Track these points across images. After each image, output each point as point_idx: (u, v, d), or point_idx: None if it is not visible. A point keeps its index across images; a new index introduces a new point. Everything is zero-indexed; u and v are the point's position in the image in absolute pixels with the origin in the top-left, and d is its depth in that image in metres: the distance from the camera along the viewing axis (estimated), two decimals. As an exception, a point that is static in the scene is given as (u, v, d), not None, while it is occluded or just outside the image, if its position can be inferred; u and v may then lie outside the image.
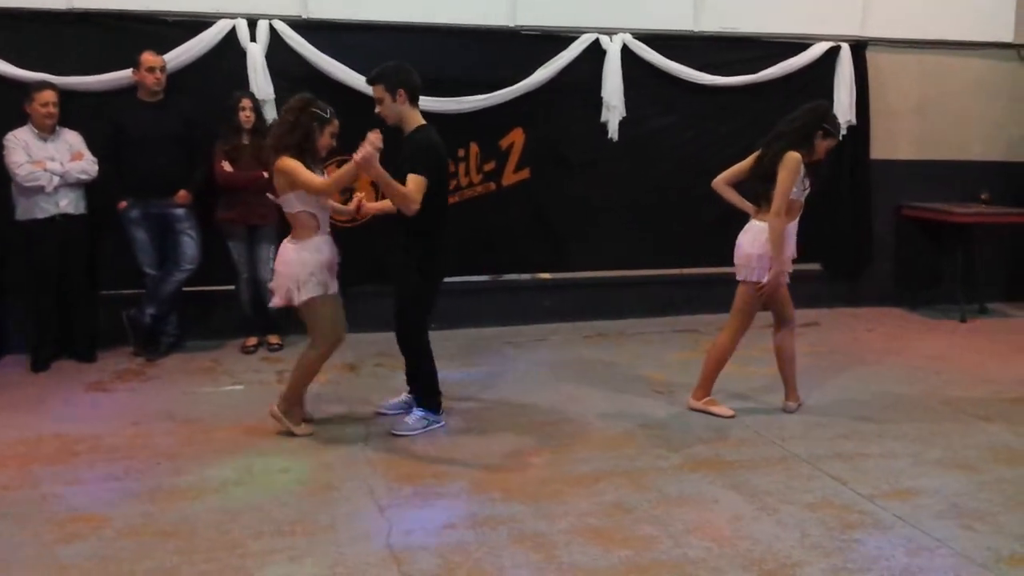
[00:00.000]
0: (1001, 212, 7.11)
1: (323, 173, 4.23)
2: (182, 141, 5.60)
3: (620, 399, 4.96)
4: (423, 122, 4.25)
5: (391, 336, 4.45)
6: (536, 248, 6.65)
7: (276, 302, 4.16)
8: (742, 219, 4.60)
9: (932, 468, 4.01)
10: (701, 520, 3.47)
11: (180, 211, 5.63)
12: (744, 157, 4.60)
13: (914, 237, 7.39)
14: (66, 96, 5.41)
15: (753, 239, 4.46)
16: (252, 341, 5.89)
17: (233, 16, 5.80)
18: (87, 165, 5.41)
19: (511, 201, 6.47)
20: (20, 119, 5.31)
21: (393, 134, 4.21)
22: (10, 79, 5.47)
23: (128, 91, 5.60)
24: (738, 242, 4.55)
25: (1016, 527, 3.42)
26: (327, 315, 4.18)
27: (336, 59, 5.90)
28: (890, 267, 7.42)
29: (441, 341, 4.55)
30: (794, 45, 6.82)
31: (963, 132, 7.39)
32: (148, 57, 5.46)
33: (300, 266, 4.07)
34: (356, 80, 5.65)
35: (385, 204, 4.38)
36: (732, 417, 4.62)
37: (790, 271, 4.53)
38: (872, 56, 6.99)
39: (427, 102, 5.10)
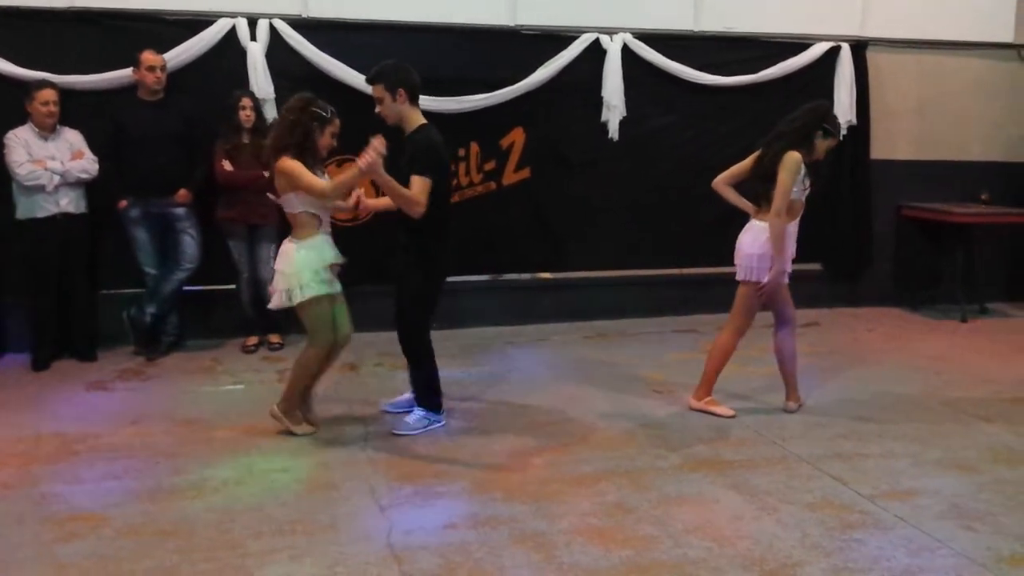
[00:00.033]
0: (1001, 212, 7.12)
1: (323, 172, 4.23)
2: (182, 140, 5.60)
3: (620, 399, 4.96)
4: (424, 121, 4.23)
5: (392, 336, 4.45)
6: (536, 248, 6.65)
7: (276, 302, 4.15)
8: (742, 219, 4.60)
9: (932, 468, 4.01)
10: (701, 520, 3.47)
11: (180, 210, 5.63)
12: (744, 157, 4.60)
13: (914, 237, 7.39)
14: (66, 95, 5.41)
15: (753, 239, 4.46)
16: (253, 340, 5.90)
17: (233, 15, 5.80)
18: (87, 164, 5.41)
19: (511, 201, 6.47)
20: (21, 118, 5.30)
21: (394, 133, 4.21)
22: (10, 78, 5.47)
23: (128, 90, 5.60)
24: (738, 242, 4.55)
25: (1016, 527, 3.42)
26: (324, 315, 4.17)
27: (336, 58, 5.90)
28: (890, 267, 7.42)
29: (442, 341, 4.55)
30: (794, 45, 6.82)
31: (963, 132, 7.40)
32: (148, 56, 5.46)
33: (301, 265, 4.06)
34: (356, 79, 5.65)
35: (384, 201, 4.36)
36: (732, 417, 4.62)
37: (789, 271, 4.53)
38: (872, 56, 6.99)
39: (427, 101, 5.10)
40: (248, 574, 3.05)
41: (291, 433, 4.30)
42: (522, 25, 6.35)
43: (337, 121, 4.16)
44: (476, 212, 6.30)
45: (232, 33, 5.78)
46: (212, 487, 3.73)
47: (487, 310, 6.60)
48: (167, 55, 5.59)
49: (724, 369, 4.70)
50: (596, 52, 6.42)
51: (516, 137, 6.42)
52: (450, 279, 4.52)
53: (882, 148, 7.17)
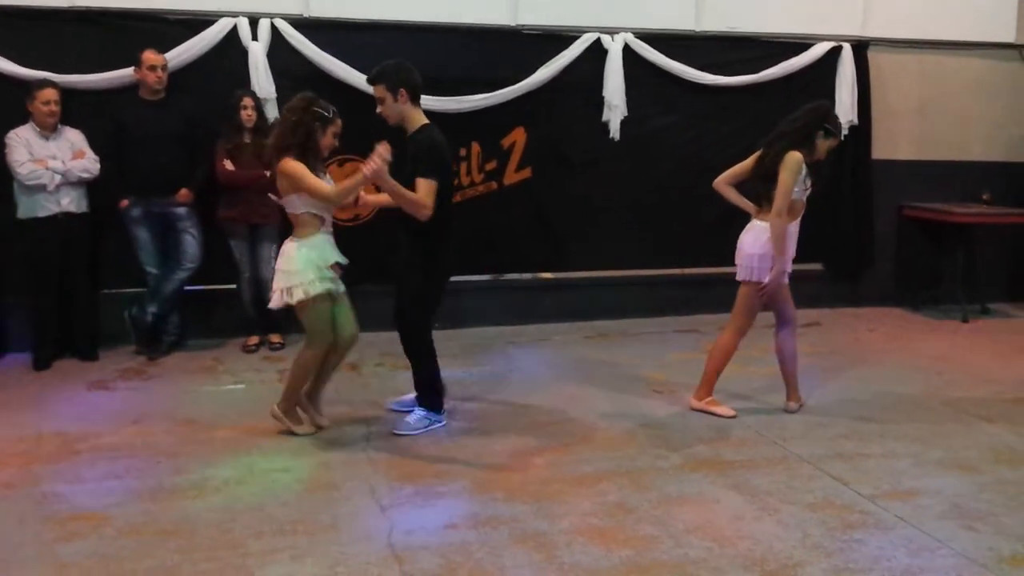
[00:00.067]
0: (1002, 212, 7.11)
1: (325, 173, 4.22)
2: (184, 140, 5.60)
3: (621, 399, 4.96)
4: (426, 121, 4.22)
5: (392, 336, 4.45)
6: (537, 248, 6.64)
7: (276, 301, 4.14)
8: (743, 219, 4.60)
9: (933, 468, 4.01)
10: (702, 520, 3.47)
11: (182, 210, 5.63)
12: (745, 157, 4.60)
13: (915, 237, 7.39)
14: (68, 94, 5.41)
15: (755, 239, 4.46)
16: (254, 340, 5.90)
17: (235, 15, 5.80)
18: (89, 163, 5.41)
19: (512, 200, 6.46)
20: (22, 117, 5.31)
21: (397, 134, 4.21)
22: (12, 77, 5.47)
23: (130, 89, 5.60)
24: (740, 242, 4.55)
25: (1017, 528, 3.42)
26: (323, 316, 4.15)
27: (338, 58, 5.90)
28: (891, 267, 7.42)
29: (443, 341, 4.55)
30: (795, 45, 6.81)
31: (964, 132, 7.39)
32: (149, 55, 5.46)
33: (302, 264, 4.05)
34: (357, 79, 5.64)
35: (384, 197, 4.32)
36: (733, 417, 4.62)
37: (789, 270, 4.52)
38: (873, 56, 6.99)
39: (428, 101, 5.10)
40: (249, 574, 3.05)
41: (292, 433, 4.30)
42: (523, 25, 6.35)
43: (339, 121, 4.16)
44: (477, 212, 6.30)
45: (233, 32, 5.78)
46: (213, 487, 3.73)
47: (488, 310, 6.60)
48: (168, 54, 5.59)
49: (725, 369, 4.70)
50: (597, 52, 6.41)
51: (517, 137, 6.42)
52: (452, 279, 4.51)
53: (883, 148, 7.17)
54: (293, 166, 3.97)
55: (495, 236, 6.44)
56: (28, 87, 5.31)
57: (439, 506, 3.58)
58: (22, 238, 5.39)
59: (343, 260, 4.21)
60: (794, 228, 4.48)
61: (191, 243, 5.66)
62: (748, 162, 4.57)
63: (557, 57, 6.33)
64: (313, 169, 4.02)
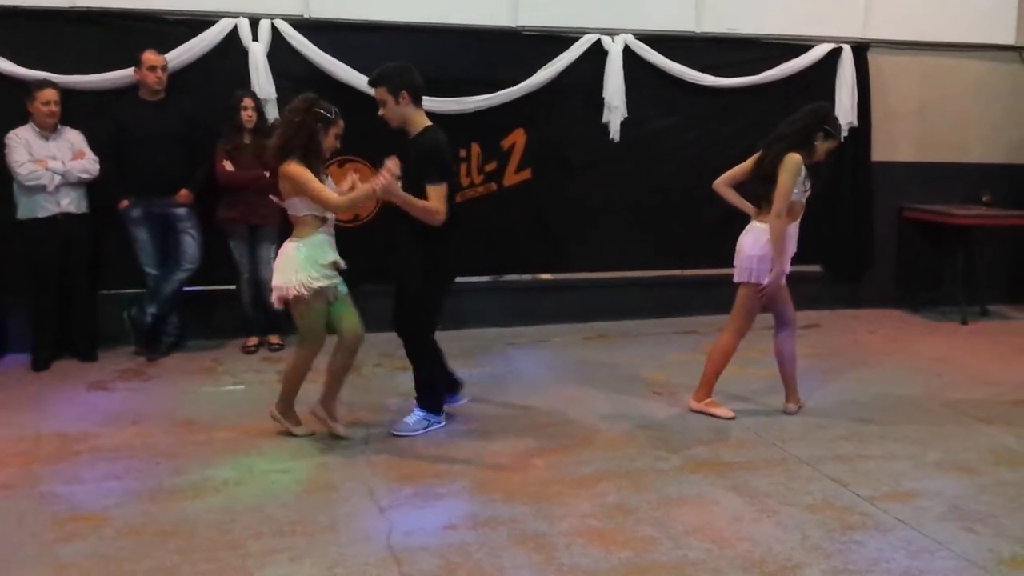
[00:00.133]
0: (1002, 214, 7.11)
1: (326, 174, 4.21)
2: (183, 140, 5.60)
3: (621, 400, 4.95)
4: (428, 123, 4.19)
5: (392, 336, 4.44)
6: (537, 249, 6.64)
7: (275, 299, 4.13)
8: (743, 220, 4.60)
9: (933, 470, 4.01)
10: (701, 522, 3.47)
11: (181, 210, 5.63)
12: (745, 158, 4.60)
13: (915, 239, 7.39)
14: (68, 95, 5.41)
15: (754, 240, 4.46)
16: (253, 341, 5.90)
17: (235, 15, 5.80)
18: (88, 164, 5.41)
19: (512, 202, 6.47)
20: (22, 118, 5.31)
21: (398, 134, 4.20)
22: (12, 77, 5.47)
23: (130, 90, 5.60)
24: (739, 243, 4.55)
25: (1017, 529, 3.42)
26: (318, 316, 4.13)
27: (338, 58, 5.90)
28: (891, 269, 7.42)
29: (443, 342, 4.54)
30: (795, 47, 6.82)
31: (964, 134, 7.40)
32: (150, 56, 5.46)
33: (300, 262, 4.03)
34: (358, 80, 5.64)
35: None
36: (732, 419, 4.61)
37: (788, 271, 4.52)
38: (873, 58, 7.00)
39: (428, 102, 5.07)
40: (248, 574, 3.05)
41: (291, 434, 4.30)
42: (523, 26, 6.35)
43: (341, 122, 4.15)
44: (477, 213, 6.28)
45: (234, 33, 5.78)
46: (212, 487, 3.73)
47: (488, 311, 6.60)
48: (168, 55, 5.59)
49: (724, 371, 4.70)
50: (597, 53, 6.41)
51: (517, 138, 6.42)
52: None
53: (883, 150, 7.17)
54: (298, 171, 3.95)
55: (495, 237, 6.44)
56: (28, 87, 5.31)
57: (438, 507, 3.57)
58: (22, 238, 5.39)
59: (341, 262, 4.18)
60: (793, 229, 4.48)
61: (191, 244, 5.66)
62: (748, 163, 4.57)
63: (557, 58, 6.33)
64: (315, 171, 4.02)
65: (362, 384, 5.17)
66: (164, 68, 5.52)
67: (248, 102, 5.58)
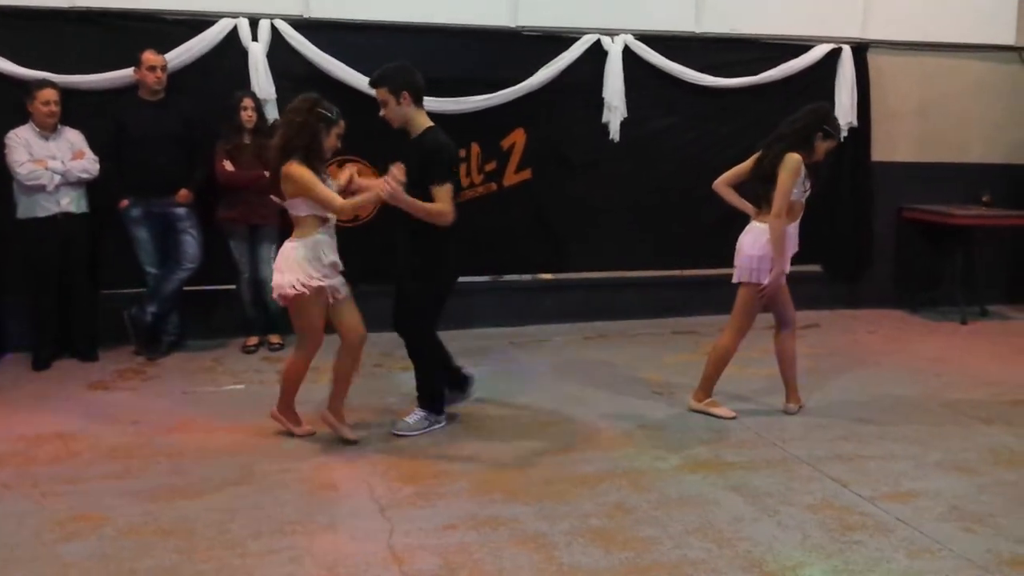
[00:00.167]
0: (1001, 214, 7.11)
1: (327, 174, 4.21)
2: (183, 140, 5.60)
3: (621, 400, 4.96)
4: (430, 123, 4.19)
5: (392, 336, 4.45)
6: (537, 249, 6.65)
7: (279, 299, 4.12)
8: (743, 221, 4.60)
9: (932, 470, 4.01)
10: (701, 521, 3.47)
11: (181, 210, 5.63)
12: (745, 158, 4.60)
13: (914, 239, 7.39)
14: (67, 95, 5.41)
15: (754, 241, 4.46)
16: (253, 341, 5.90)
17: (235, 15, 5.80)
18: (88, 164, 5.41)
19: (512, 202, 6.46)
20: (21, 117, 5.31)
21: (399, 135, 4.20)
22: (11, 77, 5.47)
23: (129, 90, 5.60)
24: (739, 243, 4.55)
25: (1017, 529, 3.42)
26: (315, 316, 4.11)
27: (338, 59, 5.90)
28: (890, 269, 7.42)
29: (443, 341, 4.54)
30: (795, 47, 6.82)
31: (964, 134, 7.40)
32: (149, 56, 5.46)
33: (299, 261, 4.03)
34: (358, 80, 5.65)
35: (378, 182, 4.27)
36: (733, 418, 4.62)
37: (787, 271, 4.52)
38: (873, 58, 7.00)
39: (428, 102, 5.05)
40: (248, 574, 3.05)
41: (291, 434, 4.30)
42: (523, 26, 6.35)
43: (342, 122, 4.13)
44: (477, 213, 6.27)
45: (233, 33, 5.78)
46: (212, 487, 3.73)
47: (488, 311, 6.60)
48: (168, 55, 5.59)
49: (725, 370, 4.70)
50: (597, 53, 6.41)
51: (517, 138, 6.42)
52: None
53: (883, 150, 7.17)
54: (301, 172, 3.93)
55: (495, 237, 6.43)
56: (28, 87, 5.31)
57: (438, 507, 3.57)
58: (21, 238, 5.39)
59: (339, 264, 4.17)
60: (793, 229, 4.48)
61: (191, 243, 5.66)
62: (747, 163, 4.57)
63: (557, 58, 6.33)
64: (316, 171, 4.01)
65: (362, 384, 5.15)
66: (164, 68, 5.52)
67: (248, 102, 5.58)
